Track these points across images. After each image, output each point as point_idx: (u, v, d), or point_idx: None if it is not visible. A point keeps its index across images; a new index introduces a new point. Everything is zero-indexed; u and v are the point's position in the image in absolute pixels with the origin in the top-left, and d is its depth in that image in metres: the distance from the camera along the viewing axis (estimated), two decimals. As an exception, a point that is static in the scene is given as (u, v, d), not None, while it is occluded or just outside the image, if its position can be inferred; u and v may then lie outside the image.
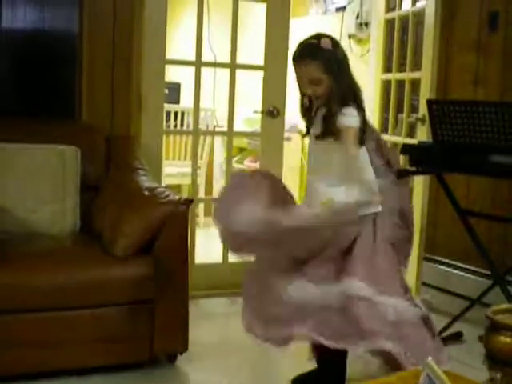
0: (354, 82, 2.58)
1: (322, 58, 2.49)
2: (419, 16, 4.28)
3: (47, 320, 2.74)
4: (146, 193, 3.00)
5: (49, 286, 2.72)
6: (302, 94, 2.59)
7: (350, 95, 2.52)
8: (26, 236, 3.08)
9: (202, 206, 5.83)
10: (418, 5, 4.32)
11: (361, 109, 2.54)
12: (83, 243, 3.10)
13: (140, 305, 2.85)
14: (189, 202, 2.98)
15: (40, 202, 3.15)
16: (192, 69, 4.00)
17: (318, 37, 2.56)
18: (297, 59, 2.55)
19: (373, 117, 4.88)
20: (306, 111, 2.63)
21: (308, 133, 2.67)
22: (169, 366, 3.00)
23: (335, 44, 2.57)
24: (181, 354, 3.00)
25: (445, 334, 3.53)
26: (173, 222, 2.89)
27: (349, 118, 2.46)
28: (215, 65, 5.11)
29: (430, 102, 3.23)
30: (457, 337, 3.57)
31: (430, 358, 1.55)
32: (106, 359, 2.82)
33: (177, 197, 2.97)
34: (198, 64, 3.97)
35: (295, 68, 2.56)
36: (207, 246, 4.69)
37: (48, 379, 2.72)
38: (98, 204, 3.18)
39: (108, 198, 3.15)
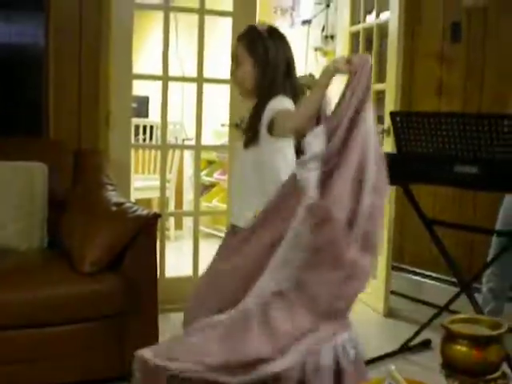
0: (294, 85, 2.43)
1: (250, 38, 2.38)
2: (383, 28, 4.34)
3: (16, 337, 2.70)
4: (114, 208, 3.01)
5: (17, 303, 2.70)
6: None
7: (285, 93, 2.37)
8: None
9: (172, 219, 5.83)
10: (382, 17, 4.38)
11: None
12: (51, 259, 3.08)
13: (110, 319, 2.84)
14: (156, 216, 2.99)
15: (8, 218, 3.13)
16: (160, 83, 4.01)
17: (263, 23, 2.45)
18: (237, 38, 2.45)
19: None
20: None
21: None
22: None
23: (273, 34, 2.41)
24: (152, 368, 3.00)
25: (413, 341, 3.58)
26: (141, 236, 2.91)
27: (277, 102, 2.32)
28: (183, 79, 5.13)
29: (393, 114, 3.27)
30: (425, 344, 3.62)
31: (393, 367, 1.57)
32: (77, 375, 2.80)
33: (145, 212, 2.98)
34: (165, 78, 3.99)
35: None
36: (178, 259, 4.70)
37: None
38: (66, 220, 3.17)
39: (76, 214, 3.14)
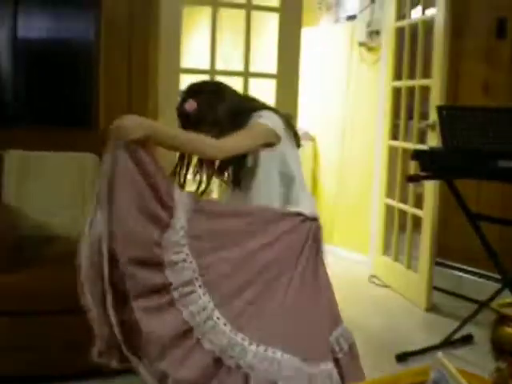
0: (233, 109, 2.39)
1: (196, 123, 2.34)
2: (429, 24, 4.34)
3: (65, 322, 2.81)
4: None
5: (67, 288, 2.78)
6: None
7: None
8: (45, 240, 3.17)
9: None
10: (428, 13, 4.39)
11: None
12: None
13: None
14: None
15: (60, 206, 3.24)
16: (205, 77, 4.07)
17: (183, 101, 2.41)
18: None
19: (384, 123, 4.95)
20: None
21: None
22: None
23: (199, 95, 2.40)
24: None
25: (455, 336, 3.59)
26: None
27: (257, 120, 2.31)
28: (229, 73, 5.18)
29: (440, 108, 3.29)
30: (467, 339, 3.63)
31: (440, 354, 1.60)
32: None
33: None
34: (213, 72, 4.05)
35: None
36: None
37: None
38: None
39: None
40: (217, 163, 2.46)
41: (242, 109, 2.39)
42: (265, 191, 2.35)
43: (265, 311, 2.08)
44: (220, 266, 2.10)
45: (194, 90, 2.43)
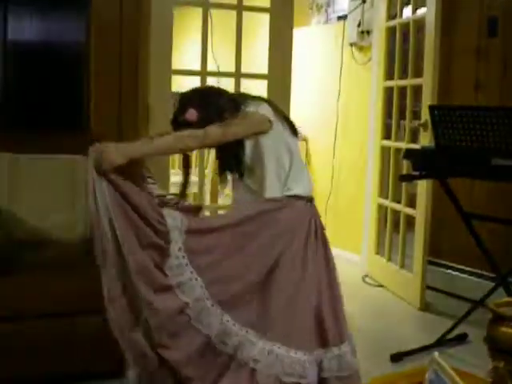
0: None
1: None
2: (419, 23, 4.35)
3: (56, 327, 2.81)
4: (156, 200, 3.06)
5: (59, 293, 2.79)
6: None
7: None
8: (37, 243, 3.15)
9: (207, 214, 5.89)
10: (419, 12, 4.39)
11: None
12: (93, 250, 3.15)
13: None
14: (199, 208, 3.04)
15: (50, 210, 3.21)
16: (197, 78, 4.07)
17: (183, 110, 2.42)
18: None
19: (375, 123, 4.95)
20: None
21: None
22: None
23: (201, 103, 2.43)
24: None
25: (450, 335, 3.59)
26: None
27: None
28: (220, 74, 5.18)
29: (432, 108, 3.29)
30: (462, 338, 3.63)
31: (436, 354, 1.60)
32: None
33: (186, 203, 3.04)
34: (204, 73, 4.04)
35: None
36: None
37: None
38: (108, 212, 3.24)
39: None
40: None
41: (240, 102, 2.42)
42: (270, 178, 2.37)
43: (271, 309, 2.21)
44: (224, 277, 2.22)
45: (188, 98, 2.45)
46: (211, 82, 4.59)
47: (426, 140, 4.12)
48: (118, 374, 2.50)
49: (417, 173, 3.46)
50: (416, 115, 4.54)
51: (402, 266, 4.55)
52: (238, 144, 2.36)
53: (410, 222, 4.46)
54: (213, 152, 5.93)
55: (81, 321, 2.83)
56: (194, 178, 4.87)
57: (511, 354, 1.25)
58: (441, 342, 3.54)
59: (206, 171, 5.78)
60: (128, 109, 3.83)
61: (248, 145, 2.37)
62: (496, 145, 3.01)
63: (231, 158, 2.42)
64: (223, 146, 2.37)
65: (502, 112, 3.00)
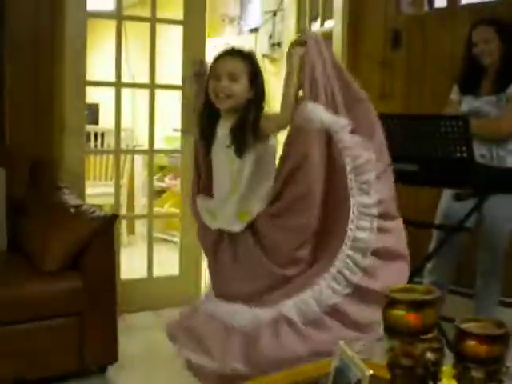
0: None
1: (251, 63, 2.56)
2: (328, 36, 4.52)
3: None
4: (72, 210, 3.10)
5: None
6: (208, 106, 2.55)
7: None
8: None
9: (124, 225, 5.90)
10: (326, 25, 4.57)
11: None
12: (12, 260, 3.16)
13: (70, 318, 2.95)
14: (114, 217, 3.10)
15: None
16: (111, 89, 4.11)
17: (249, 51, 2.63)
18: (224, 55, 2.56)
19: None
20: (208, 126, 2.56)
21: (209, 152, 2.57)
22: (99, 376, 3.12)
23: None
24: (111, 364, 3.12)
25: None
26: (99, 237, 3.01)
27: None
28: (135, 85, 5.23)
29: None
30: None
31: (342, 342, 1.71)
32: (38, 372, 2.89)
33: (102, 213, 3.09)
34: (118, 85, 4.09)
35: (217, 65, 2.53)
36: (131, 264, 4.77)
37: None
38: (25, 223, 3.24)
39: (35, 217, 3.22)
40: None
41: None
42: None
43: None
44: None
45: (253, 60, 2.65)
46: (127, 92, 4.66)
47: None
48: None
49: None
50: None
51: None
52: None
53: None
54: (128, 162, 5.97)
55: (4, 329, 2.83)
56: (107, 189, 4.91)
57: (404, 334, 1.38)
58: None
59: (122, 181, 5.81)
60: (43, 120, 3.85)
61: None
62: (401, 150, 3.18)
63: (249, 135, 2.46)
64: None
65: (405, 119, 3.19)
